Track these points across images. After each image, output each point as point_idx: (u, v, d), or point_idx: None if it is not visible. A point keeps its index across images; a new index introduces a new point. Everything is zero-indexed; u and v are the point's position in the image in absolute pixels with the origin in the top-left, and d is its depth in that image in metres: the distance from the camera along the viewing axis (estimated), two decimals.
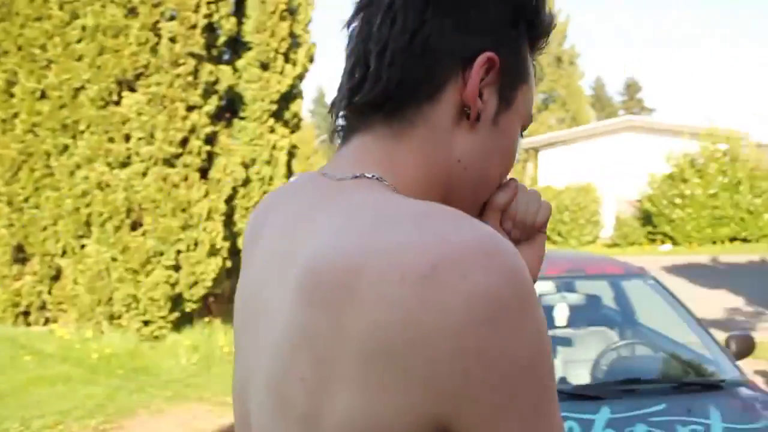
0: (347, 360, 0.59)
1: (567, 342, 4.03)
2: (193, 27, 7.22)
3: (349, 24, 0.77)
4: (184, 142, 7.27)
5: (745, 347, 3.40)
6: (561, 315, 3.61)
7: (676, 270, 15.90)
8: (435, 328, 0.56)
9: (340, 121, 0.79)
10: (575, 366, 3.90)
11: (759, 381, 6.42)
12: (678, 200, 20.29)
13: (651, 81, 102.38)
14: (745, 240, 20.29)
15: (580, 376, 3.76)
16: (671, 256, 19.06)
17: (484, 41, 0.73)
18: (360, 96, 0.73)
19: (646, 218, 21.35)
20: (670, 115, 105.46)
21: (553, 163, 27.04)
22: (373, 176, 0.72)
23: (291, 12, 8.19)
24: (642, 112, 53.36)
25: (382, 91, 0.72)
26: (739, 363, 3.31)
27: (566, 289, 4.04)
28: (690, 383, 3.08)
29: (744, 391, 2.98)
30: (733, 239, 20.38)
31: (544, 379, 0.60)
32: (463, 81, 0.72)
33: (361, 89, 0.73)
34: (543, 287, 3.94)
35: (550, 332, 3.41)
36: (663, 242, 20.90)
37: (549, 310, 3.72)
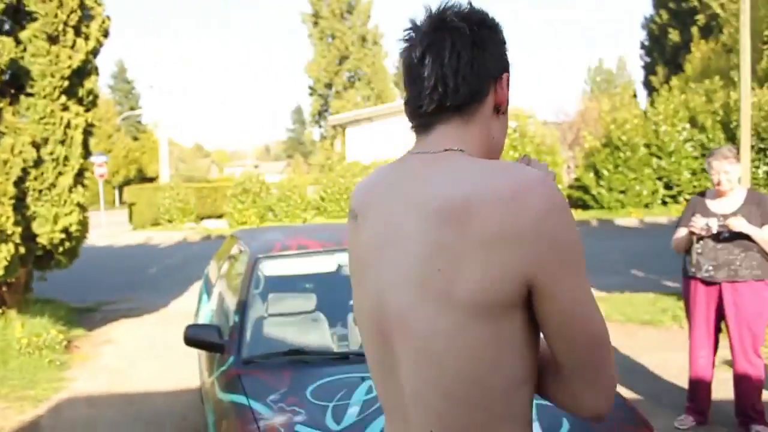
0: (471, 251, 1.07)
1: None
2: None
3: (410, 57, 1.23)
4: None
5: None
6: None
7: None
8: (523, 223, 1.06)
9: (414, 121, 1.28)
10: None
11: None
12: None
13: None
14: None
15: None
16: None
17: (503, 65, 1.26)
18: (448, 101, 1.20)
19: None
20: None
21: (360, 140, 27.70)
22: (458, 149, 1.20)
23: None
24: None
25: (461, 98, 1.20)
26: None
27: None
28: None
29: None
30: None
31: (581, 254, 1.11)
32: (494, 89, 1.25)
33: (446, 98, 1.19)
34: (343, 258, 4.15)
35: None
36: None
37: (347, 280, 3.92)
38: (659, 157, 21.12)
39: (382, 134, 26.25)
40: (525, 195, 1.07)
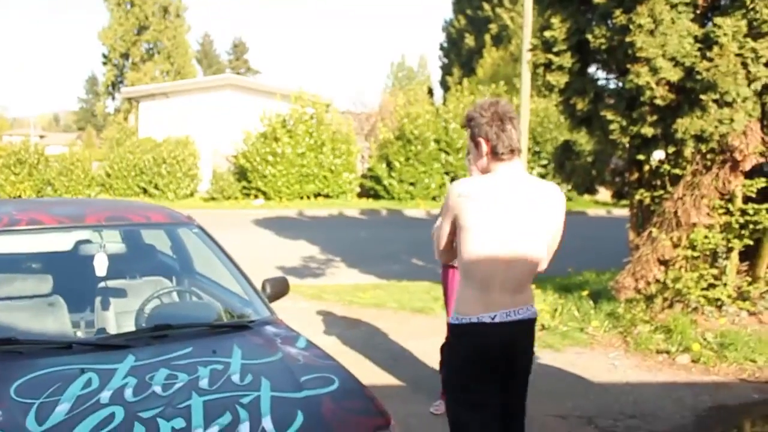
0: (555, 213, 2.80)
1: (120, 293, 3.94)
2: None
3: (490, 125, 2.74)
4: None
5: (279, 289, 3.69)
6: (100, 265, 3.48)
7: (267, 223, 16.84)
8: (562, 202, 2.80)
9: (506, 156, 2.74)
10: (123, 317, 3.83)
11: (320, 319, 7.14)
12: (270, 158, 21.41)
13: (258, 43, 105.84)
14: (327, 196, 22.35)
15: (120, 327, 3.71)
16: (264, 209, 20.12)
17: None
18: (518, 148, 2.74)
19: (242, 174, 22.13)
20: (274, 77, 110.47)
21: (154, 116, 26.39)
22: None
23: None
24: (248, 73, 54.92)
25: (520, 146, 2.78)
26: (273, 304, 3.57)
27: (108, 238, 3.94)
28: (220, 326, 3.24)
29: (269, 329, 3.23)
30: (317, 195, 22.29)
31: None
32: None
33: (519, 146, 2.73)
34: (80, 235, 3.77)
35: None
36: (257, 197, 21.92)
37: (87, 260, 3.57)
38: (447, 153, 22.14)
39: (179, 111, 25.18)
40: (560, 193, 2.78)
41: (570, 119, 6.49)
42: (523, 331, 2.80)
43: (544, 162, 22.06)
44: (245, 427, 2.37)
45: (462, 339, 2.77)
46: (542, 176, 22.13)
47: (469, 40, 38.87)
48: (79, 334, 3.87)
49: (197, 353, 2.84)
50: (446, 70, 41.54)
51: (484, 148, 2.74)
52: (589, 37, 5.89)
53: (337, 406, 2.62)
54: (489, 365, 2.74)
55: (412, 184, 22.05)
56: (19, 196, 21.23)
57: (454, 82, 35.82)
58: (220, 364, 2.76)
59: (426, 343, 6.23)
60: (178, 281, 4.36)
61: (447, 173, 22.32)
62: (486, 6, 37.15)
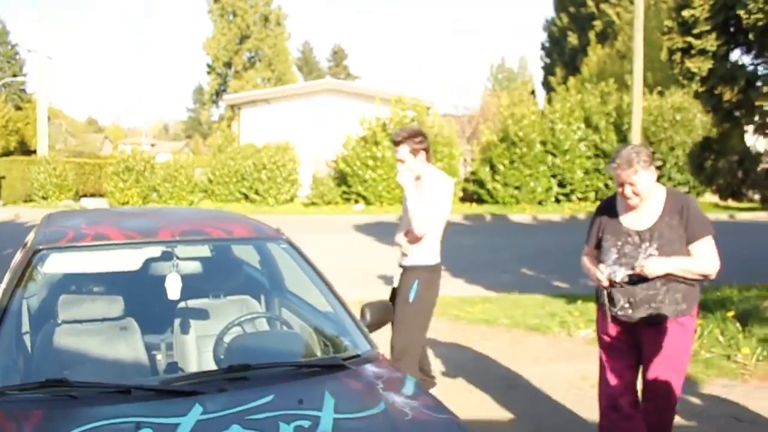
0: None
1: (201, 314, 3.46)
2: None
3: None
4: None
5: (381, 316, 3.09)
6: (172, 287, 2.99)
7: (367, 228, 16.42)
8: None
9: None
10: (204, 342, 3.34)
11: None
12: (371, 162, 21.02)
13: (356, 48, 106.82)
14: None
15: (206, 362, 3.21)
16: (364, 215, 19.75)
17: None
18: None
19: (342, 178, 21.86)
20: (374, 83, 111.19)
21: (256, 122, 26.64)
22: None
23: None
24: (347, 79, 55.18)
25: None
26: (373, 335, 2.98)
27: (188, 253, 3.46)
28: (309, 365, 2.66)
29: (369, 369, 2.63)
30: None
31: None
32: None
33: None
34: (151, 252, 3.31)
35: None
36: (357, 201, 21.59)
37: (161, 279, 3.09)
38: (554, 155, 21.10)
39: (279, 117, 25.27)
40: None
41: (714, 112, 5.58)
42: None
43: (659, 163, 20.63)
44: None
45: None
46: (657, 179, 20.76)
47: (572, 39, 37.51)
48: (159, 358, 3.44)
49: (279, 404, 2.26)
50: (548, 70, 40.27)
51: None
52: (741, 12, 4.99)
53: None
54: None
55: (517, 188, 21.15)
56: (127, 203, 21.78)
57: (558, 82, 34.58)
58: (307, 420, 2.17)
59: (545, 370, 5.50)
60: (267, 301, 3.85)
61: (554, 176, 21.28)
62: (590, 2, 35.73)
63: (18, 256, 3.36)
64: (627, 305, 3.34)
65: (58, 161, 25.00)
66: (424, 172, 4.29)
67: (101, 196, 25.92)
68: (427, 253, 4.31)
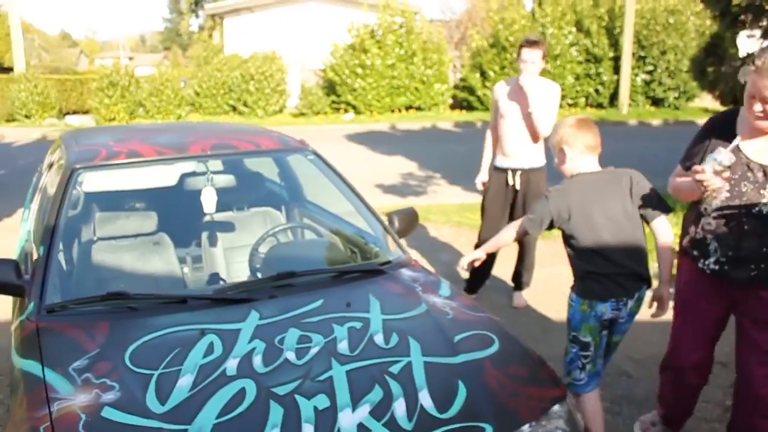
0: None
1: (228, 227, 3.57)
2: None
3: None
4: None
5: (409, 223, 3.22)
6: (208, 201, 3.08)
7: (359, 138, 16.39)
8: None
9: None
10: (232, 254, 3.46)
11: (430, 244, 6.68)
12: (359, 70, 20.76)
13: None
14: (419, 108, 21.63)
15: (235, 272, 3.34)
16: (354, 124, 19.65)
17: None
18: None
19: (330, 88, 21.61)
20: None
21: (239, 32, 26.02)
22: None
23: None
24: None
25: None
26: (402, 240, 3.11)
27: (214, 169, 3.53)
28: (351, 270, 2.79)
29: (405, 273, 2.77)
30: (408, 107, 21.60)
31: None
32: None
33: None
34: (184, 167, 3.38)
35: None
36: (346, 111, 21.45)
37: (193, 194, 3.17)
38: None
39: (264, 26, 24.70)
40: None
41: (721, 17, 5.53)
42: None
43: (650, 68, 20.54)
44: (400, 405, 1.94)
45: None
46: (647, 83, 20.70)
47: None
48: (186, 270, 3.56)
49: (329, 307, 2.41)
50: None
51: None
52: None
53: (502, 374, 2.16)
54: None
55: None
56: (113, 119, 21.49)
57: None
58: (358, 321, 2.32)
59: (551, 272, 5.72)
60: (288, 212, 3.96)
61: None
62: None
63: (46, 177, 3.43)
64: (724, 259, 2.56)
65: (38, 78, 24.44)
66: (540, 78, 4.47)
67: (85, 113, 25.52)
68: (542, 153, 4.59)
